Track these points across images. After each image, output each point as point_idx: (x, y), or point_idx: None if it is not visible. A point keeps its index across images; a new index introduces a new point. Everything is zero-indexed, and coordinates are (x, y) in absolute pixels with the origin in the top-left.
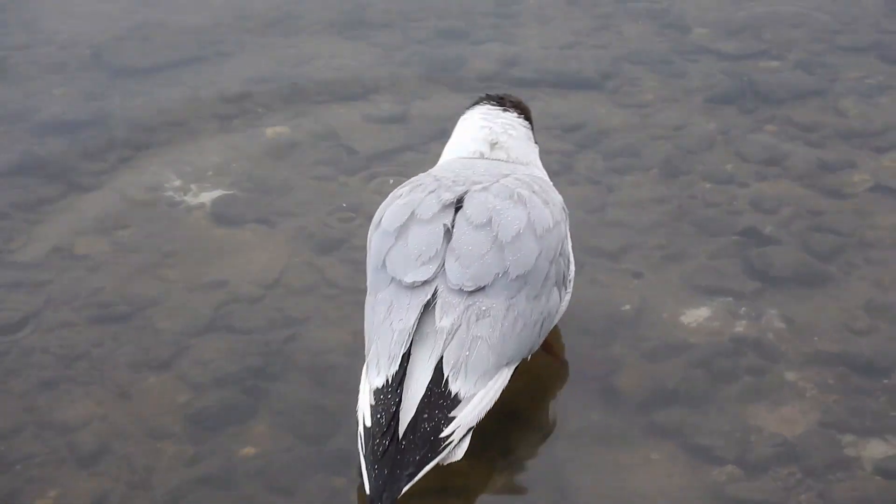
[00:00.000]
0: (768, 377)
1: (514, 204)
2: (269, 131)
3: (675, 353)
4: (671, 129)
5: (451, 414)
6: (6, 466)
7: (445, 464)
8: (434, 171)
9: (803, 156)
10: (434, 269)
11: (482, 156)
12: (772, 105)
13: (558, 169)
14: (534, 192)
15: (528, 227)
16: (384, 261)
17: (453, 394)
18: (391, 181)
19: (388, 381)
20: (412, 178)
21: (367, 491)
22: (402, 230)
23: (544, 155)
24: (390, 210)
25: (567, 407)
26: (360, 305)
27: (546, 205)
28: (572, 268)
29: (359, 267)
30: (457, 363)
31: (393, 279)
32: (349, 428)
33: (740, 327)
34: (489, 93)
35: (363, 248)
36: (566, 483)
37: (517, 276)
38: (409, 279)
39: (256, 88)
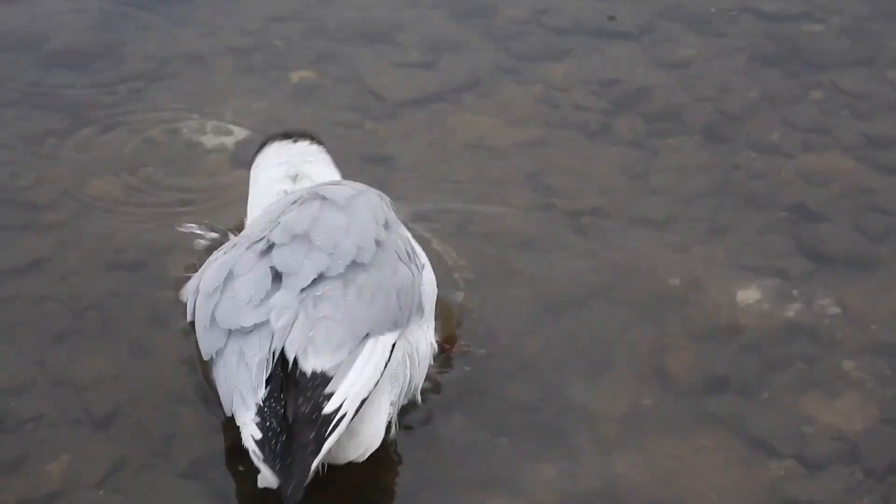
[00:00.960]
0: (823, 366)
1: (307, 201)
2: (291, 72)
3: (726, 336)
4: (714, 90)
5: (327, 390)
6: (17, 425)
7: (366, 455)
8: (244, 232)
9: (851, 126)
10: (265, 311)
11: (286, 193)
12: (817, 70)
13: (597, 129)
14: (323, 184)
15: (325, 204)
16: (212, 318)
17: (314, 372)
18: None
19: (260, 404)
20: (223, 245)
21: (276, 484)
22: (224, 286)
23: (581, 112)
24: (206, 275)
25: (615, 388)
26: None
27: (339, 184)
28: (419, 251)
29: None
30: (300, 346)
31: (230, 331)
32: None
33: (792, 311)
34: (273, 133)
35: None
36: (614, 469)
37: (336, 249)
38: (248, 322)
39: (275, 26)
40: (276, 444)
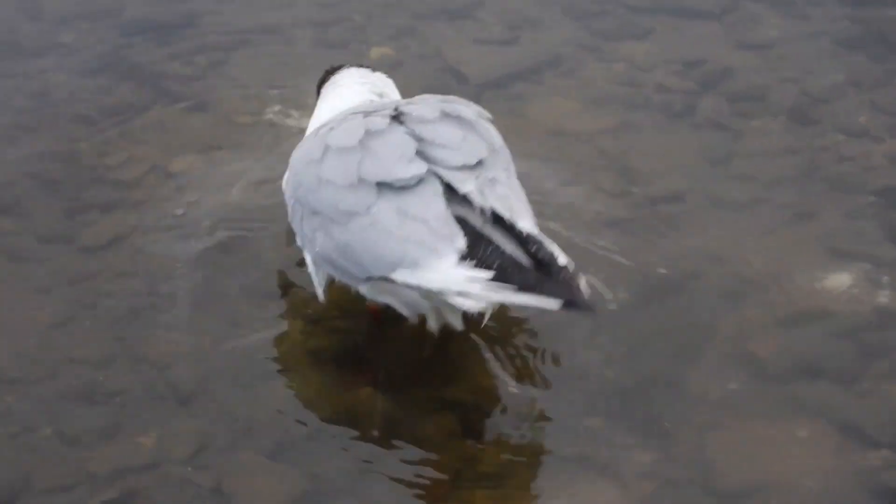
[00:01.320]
0: None
1: (450, 103)
2: (371, 48)
3: (816, 322)
4: (798, 72)
5: (547, 247)
6: (106, 398)
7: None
8: (334, 117)
9: None
10: (425, 165)
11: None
12: None
13: (680, 110)
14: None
15: (477, 114)
16: (359, 176)
17: (529, 233)
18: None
19: (465, 251)
20: (323, 124)
21: (548, 304)
22: (363, 144)
23: (664, 93)
24: (336, 134)
25: (706, 374)
26: None
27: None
28: None
29: None
30: (508, 209)
31: (381, 186)
32: (463, 376)
33: (884, 298)
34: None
35: None
36: (706, 455)
37: (497, 149)
38: (408, 173)
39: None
40: (525, 275)
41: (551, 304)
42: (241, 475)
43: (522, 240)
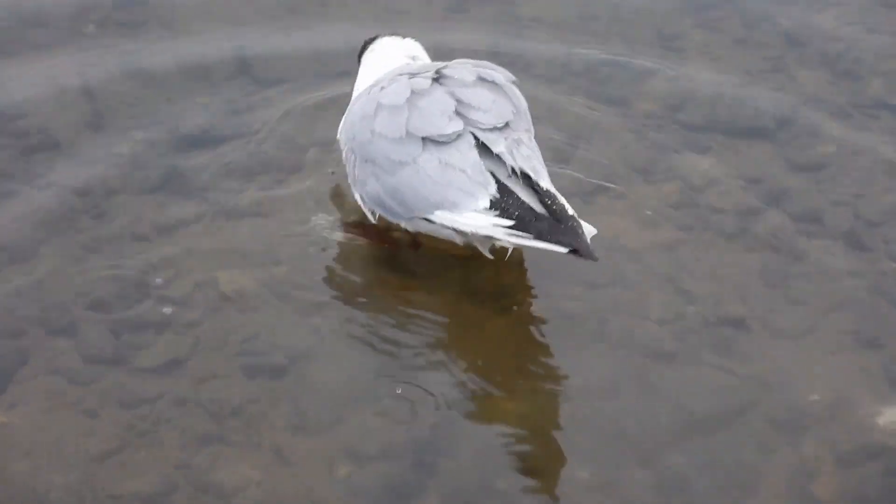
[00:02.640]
0: None
1: (484, 68)
2: None
3: (877, 460)
4: (853, 195)
5: (560, 201)
6: None
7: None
8: (381, 77)
9: None
10: (462, 123)
11: (409, 65)
12: None
13: (733, 231)
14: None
15: (507, 80)
16: (406, 131)
17: (546, 188)
18: None
19: (496, 197)
20: (372, 84)
21: (565, 249)
22: (409, 102)
23: (718, 215)
24: (387, 93)
25: None
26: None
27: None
28: None
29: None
30: (532, 169)
31: (426, 140)
32: None
33: None
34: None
35: None
36: None
37: (521, 112)
38: (448, 130)
39: None
40: (538, 224)
41: (560, 249)
42: None
43: (542, 194)
